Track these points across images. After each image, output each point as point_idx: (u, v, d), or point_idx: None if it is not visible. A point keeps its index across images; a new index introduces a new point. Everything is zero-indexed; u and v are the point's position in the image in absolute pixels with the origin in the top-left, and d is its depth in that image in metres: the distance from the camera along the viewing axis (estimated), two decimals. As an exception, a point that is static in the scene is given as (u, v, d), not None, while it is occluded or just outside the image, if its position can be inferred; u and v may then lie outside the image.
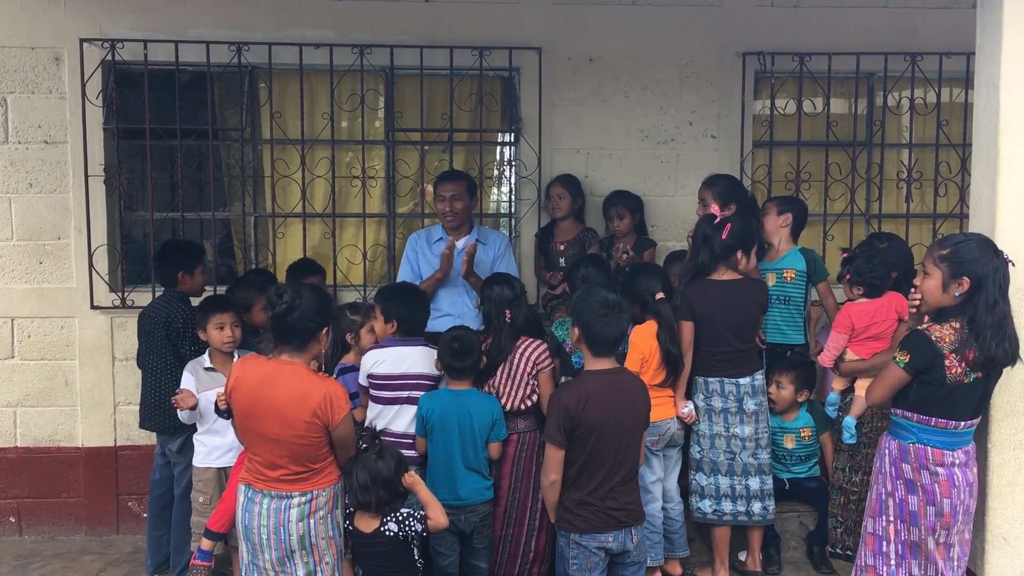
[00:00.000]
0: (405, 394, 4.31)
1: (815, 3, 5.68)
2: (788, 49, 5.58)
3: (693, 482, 4.55)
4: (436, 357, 4.29)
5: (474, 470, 4.19)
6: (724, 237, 4.41)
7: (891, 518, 3.57)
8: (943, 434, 3.45)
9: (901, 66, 5.59)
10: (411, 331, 4.38)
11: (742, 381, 4.47)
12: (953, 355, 3.35)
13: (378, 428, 4.33)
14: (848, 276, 4.42)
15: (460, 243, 5.03)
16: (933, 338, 3.38)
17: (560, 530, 3.70)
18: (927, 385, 3.42)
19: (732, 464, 4.49)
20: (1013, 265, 3.39)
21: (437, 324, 4.78)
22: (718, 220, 4.47)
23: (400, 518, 3.66)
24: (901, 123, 5.87)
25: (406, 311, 4.36)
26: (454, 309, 4.92)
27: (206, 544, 4.30)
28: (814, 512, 4.88)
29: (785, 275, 4.89)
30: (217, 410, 4.08)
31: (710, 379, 4.50)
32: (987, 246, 3.39)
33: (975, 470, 3.52)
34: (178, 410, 4.51)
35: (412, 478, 3.74)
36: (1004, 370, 3.46)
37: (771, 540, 4.78)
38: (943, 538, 3.49)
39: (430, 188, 5.64)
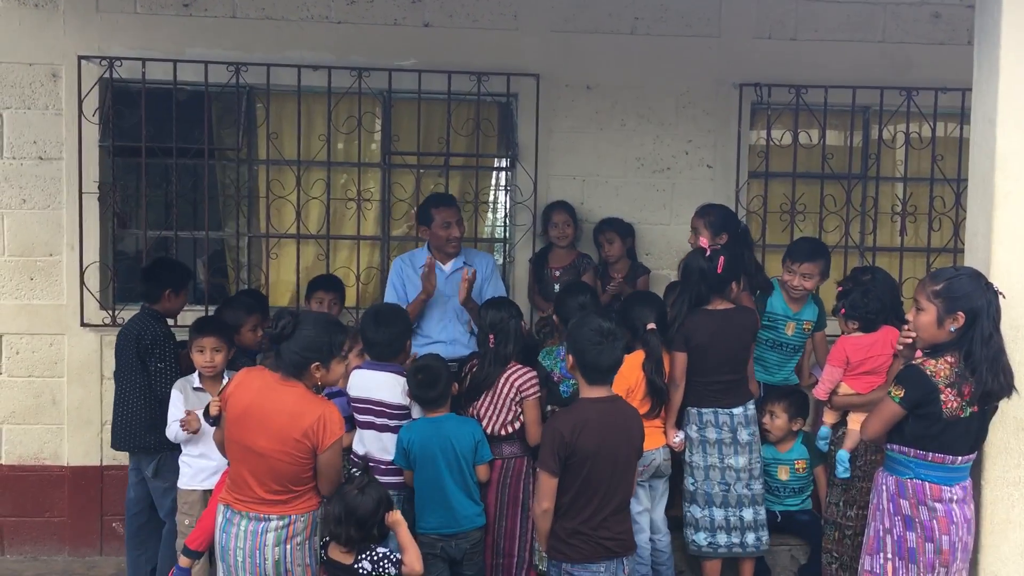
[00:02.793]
0: (370, 419, 4.28)
1: (812, 36, 5.72)
2: (785, 81, 5.61)
3: (687, 514, 4.51)
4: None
5: (466, 495, 4.14)
6: (719, 271, 4.42)
7: (889, 555, 3.54)
8: (941, 469, 3.44)
9: (896, 100, 5.62)
10: (379, 355, 4.33)
11: (735, 411, 4.45)
12: (949, 389, 3.35)
13: (358, 452, 4.32)
14: (844, 311, 4.41)
15: (448, 266, 4.99)
16: (928, 372, 3.38)
17: (551, 560, 3.66)
18: (923, 420, 3.40)
19: (727, 496, 4.46)
20: (1004, 297, 3.39)
21: (429, 351, 4.74)
22: (709, 253, 4.48)
23: (375, 558, 3.60)
24: (896, 157, 5.89)
25: (372, 334, 4.31)
26: (445, 335, 4.88)
27: (184, 562, 4.24)
28: (805, 546, 4.84)
29: (804, 326, 4.91)
30: (207, 415, 4.03)
31: (704, 410, 4.48)
32: (978, 280, 3.40)
33: (972, 506, 3.51)
34: (174, 431, 4.45)
35: (395, 518, 3.67)
36: (999, 406, 3.45)
37: (761, 573, 4.74)
38: (943, 574, 3.46)
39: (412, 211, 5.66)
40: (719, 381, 4.46)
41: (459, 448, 4.11)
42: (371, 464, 4.18)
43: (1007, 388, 3.37)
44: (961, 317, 3.35)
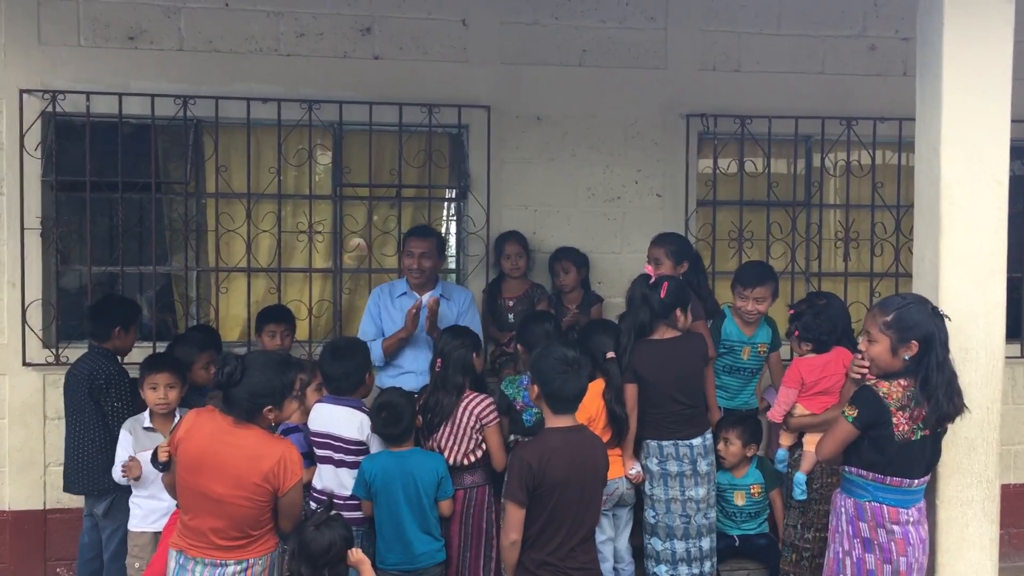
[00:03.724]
0: (327, 454, 4.24)
1: (755, 68, 5.87)
2: (730, 112, 5.74)
3: (648, 546, 4.52)
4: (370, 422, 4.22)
5: (425, 532, 4.10)
6: (662, 296, 4.46)
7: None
8: (898, 492, 3.51)
9: (837, 130, 5.79)
10: (337, 390, 4.30)
11: (695, 442, 4.48)
12: (901, 412, 3.43)
13: (316, 487, 4.26)
14: (796, 332, 4.49)
15: (424, 297, 4.99)
16: (881, 394, 3.46)
17: (519, 592, 3.63)
18: (876, 443, 3.47)
19: (687, 528, 4.47)
20: (949, 320, 3.49)
21: (400, 381, 4.72)
22: (653, 280, 4.53)
23: None
24: (838, 184, 6.05)
25: (329, 368, 4.30)
26: (416, 366, 4.85)
27: None
28: (763, 569, 4.88)
29: (759, 349, 4.99)
30: (154, 460, 3.93)
31: (664, 443, 4.47)
32: (925, 306, 3.49)
33: (926, 527, 3.58)
34: (118, 474, 4.34)
35: (357, 557, 3.61)
36: (950, 427, 3.54)
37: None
38: None
39: (363, 242, 5.67)
40: (675, 411, 4.47)
41: (421, 483, 4.08)
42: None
43: (959, 409, 3.45)
44: (915, 346, 3.44)
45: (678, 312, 4.49)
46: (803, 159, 6.04)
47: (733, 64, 5.87)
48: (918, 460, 3.49)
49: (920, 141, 3.77)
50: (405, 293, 5.06)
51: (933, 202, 3.64)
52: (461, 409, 4.30)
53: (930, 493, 3.63)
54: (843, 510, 3.62)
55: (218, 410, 3.49)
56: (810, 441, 4.38)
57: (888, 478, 3.49)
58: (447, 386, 4.33)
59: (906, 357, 3.45)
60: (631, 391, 4.43)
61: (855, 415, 3.49)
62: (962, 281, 3.59)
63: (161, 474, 3.85)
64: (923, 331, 3.43)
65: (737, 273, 5.00)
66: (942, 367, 3.40)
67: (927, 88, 3.71)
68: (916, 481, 3.51)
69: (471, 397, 4.33)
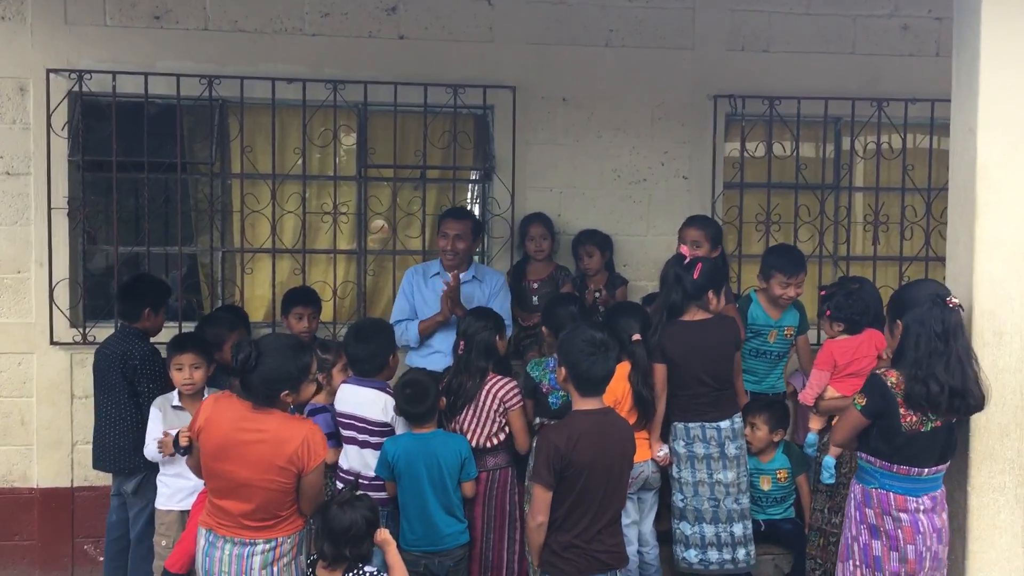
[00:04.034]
0: (352, 435, 4.25)
1: (784, 48, 5.79)
2: (758, 92, 5.67)
3: (677, 531, 4.48)
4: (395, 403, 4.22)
5: (449, 513, 4.10)
6: (696, 277, 4.42)
7: (857, 563, 3.59)
8: (906, 480, 3.49)
9: (868, 111, 5.70)
10: (361, 371, 4.31)
11: (723, 425, 4.44)
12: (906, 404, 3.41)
13: (343, 467, 4.27)
14: (828, 312, 4.45)
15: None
16: (888, 384, 3.44)
17: (544, 574, 3.62)
18: (885, 432, 3.46)
19: (716, 511, 4.43)
20: (963, 310, 3.43)
21: (428, 361, 4.75)
22: (688, 260, 4.49)
23: None
24: (868, 167, 5.96)
25: (353, 350, 4.31)
26: (444, 346, 4.84)
27: None
28: (789, 555, 4.85)
29: (786, 332, 4.94)
30: (176, 446, 3.95)
31: (690, 424, 4.45)
32: (924, 290, 3.48)
33: (944, 515, 3.55)
34: (152, 450, 4.35)
35: (383, 537, 3.63)
36: (983, 413, 3.49)
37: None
38: None
39: (386, 224, 5.68)
40: (702, 393, 4.44)
41: (445, 465, 4.08)
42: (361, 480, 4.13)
43: (976, 401, 3.37)
44: (899, 326, 3.44)
45: (710, 294, 4.45)
46: (832, 141, 5.96)
47: (762, 44, 5.79)
48: (927, 450, 3.45)
49: (956, 122, 3.70)
50: (438, 273, 5.07)
51: (968, 184, 3.57)
52: (484, 392, 4.29)
53: (961, 479, 3.58)
54: (853, 496, 3.63)
55: (236, 395, 3.50)
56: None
57: (895, 466, 3.47)
58: (470, 369, 4.32)
59: (897, 337, 3.48)
60: (660, 372, 4.41)
61: (863, 404, 3.50)
62: (997, 265, 3.53)
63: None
64: (910, 313, 3.41)
65: (776, 260, 4.88)
66: (917, 351, 3.36)
67: (963, 67, 3.64)
68: (926, 470, 3.47)
69: (494, 380, 4.32)
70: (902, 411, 3.40)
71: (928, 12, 5.81)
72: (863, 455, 3.57)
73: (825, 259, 5.83)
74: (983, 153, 3.52)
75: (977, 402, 3.39)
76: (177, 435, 3.95)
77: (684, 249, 4.65)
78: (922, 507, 3.48)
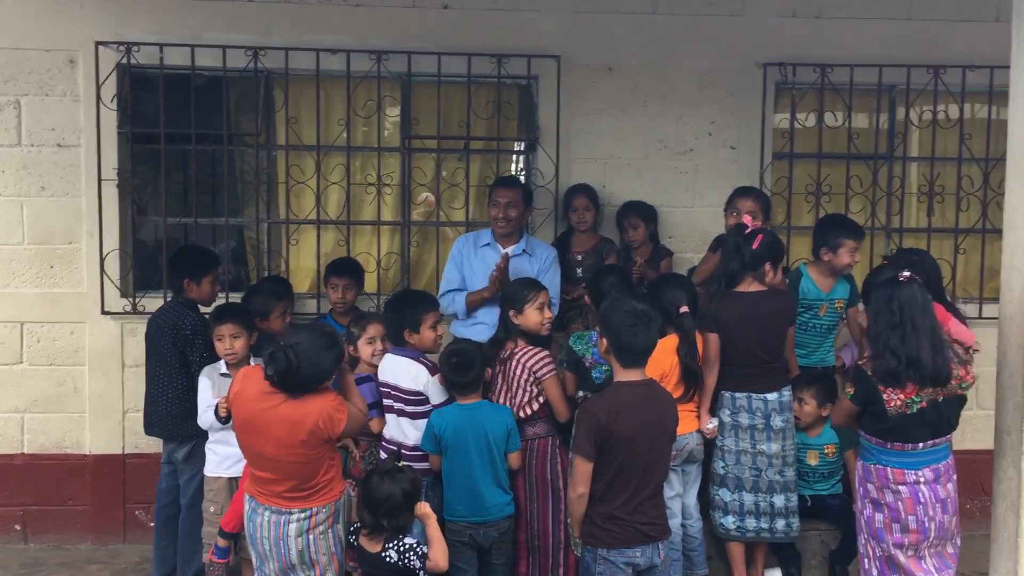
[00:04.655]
0: (389, 403, 4.29)
1: (837, 14, 5.63)
2: (809, 60, 5.53)
3: (716, 497, 4.48)
4: (440, 373, 4.23)
5: (496, 484, 4.11)
6: (755, 247, 4.36)
7: (865, 535, 3.80)
8: (902, 455, 3.66)
9: (923, 79, 5.54)
10: (392, 341, 4.34)
11: (770, 397, 4.40)
12: (889, 389, 3.57)
13: (385, 435, 4.29)
14: None
15: (507, 250, 4.99)
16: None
17: (586, 545, 3.62)
18: (874, 416, 3.66)
19: (757, 481, 4.42)
20: (918, 281, 3.59)
21: (472, 332, 4.76)
22: (749, 231, 4.42)
23: (402, 548, 3.61)
24: (923, 136, 5.80)
25: (388, 318, 4.37)
26: (488, 318, 4.83)
27: (222, 543, 4.22)
28: (836, 531, 4.80)
29: (836, 305, 4.87)
30: (217, 415, 4.03)
31: (737, 394, 4.43)
32: (884, 272, 3.70)
33: (950, 485, 3.68)
34: (207, 419, 4.41)
35: (423, 511, 3.68)
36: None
37: (791, 559, 4.70)
38: (913, 552, 3.68)
39: (431, 196, 5.65)
40: (752, 364, 4.41)
41: (492, 436, 4.09)
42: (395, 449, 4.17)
43: (939, 374, 3.52)
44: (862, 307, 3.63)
45: (767, 266, 4.40)
46: (886, 110, 5.80)
47: (814, 10, 5.64)
48: (918, 428, 3.60)
49: (1015, 88, 3.58)
50: (488, 244, 5.06)
51: (1027, 151, 3.45)
52: (514, 363, 4.30)
53: (1015, 457, 3.50)
54: (857, 472, 3.78)
55: (262, 370, 3.52)
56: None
57: (888, 443, 3.65)
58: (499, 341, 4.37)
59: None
60: (714, 341, 4.38)
61: (851, 392, 3.75)
62: (1055, 235, 3.41)
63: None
64: (869, 295, 3.63)
65: (842, 227, 4.80)
66: (879, 331, 3.57)
67: (1023, 32, 3.50)
68: (921, 445, 3.62)
69: (523, 350, 4.32)
70: (885, 396, 3.57)
71: (988, -25, 5.62)
72: (862, 433, 3.77)
73: (878, 231, 5.70)
74: (1043, 120, 3.39)
75: (940, 373, 3.52)
76: (217, 406, 4.02)
77: (747, 219, 4.59)
78: (922, 479, 3.64)
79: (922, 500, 3.62)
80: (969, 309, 5.48)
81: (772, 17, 5.61)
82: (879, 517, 3.71)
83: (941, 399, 3.59)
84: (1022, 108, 3.51)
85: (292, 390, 3.45)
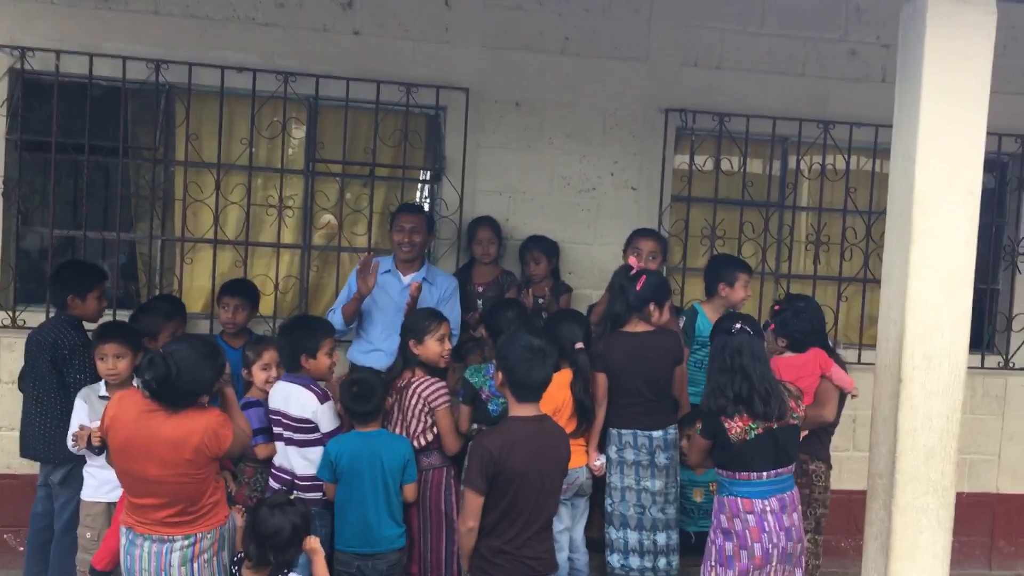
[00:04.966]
0: (279, 431, 4.22)
1: (736, 66, 5.85)
2: (709, 108, 5.73)
3: (607, 535, 4.53)
4: (332, 401, 4.20)
5: (389, 515, 4.07)
6: (638, 289, 4.47)
7: (712, 563, 3.99)
8: (749, 485, 3.91)
9: (814, 132, 5.80)
10: (286, 367, 4.29)
11: (655, 434, 4.48)
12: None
13: (275, 464, 4.22)
14: (773, 327, 4.53)
15: (407, 279, 4.99)
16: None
17: (474, 579, 3.62)
18: (721, 446, 3.93)
19: (641, 518, 4.48)
20: (748, 332, 3.98)
21: (369, 359, 4.73)
22: (634, 272, 4.53)
23: None
24: (812, 187, 6.06)
25: (283, 342, 4.30)
26: (386, 345, 4.81)
27: None
28: (717, 566, 4.90)
29: None
30: (90, 446, 3.89)
31: (624, 431, 4.50)
32: (724, 323, 4.11)
33: (796, 515, 3.96)
34: (71, 444, 4.25)
35: (312, 546, 3.61)
36: (910, 436, 3.57)
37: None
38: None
39: (333, 219, 5.61)
40: (637, 403, 4.49)
41: (388, 466, 4.05)
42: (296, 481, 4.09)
43: (767, 409, 3.86)
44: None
45: (652, 307, 4.50)
46: (779, 160, 6.05)
47: (715, 61, 5.85)
48: (759, 456, 3.89)
49: (896, 148, 3.77)
50: (389, 270, 5.06)
51: (906, 209, 3.63)
52: (410, 392, 4.29)
53: (886, 499, 3.65)
54: (714, 506, 4.05)
55: (140, 391, 3.43)
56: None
57: (736, 473, 3.91)
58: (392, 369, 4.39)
59: None
60: (601, 380, 4.44)
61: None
62: (930, 290, 3.59)
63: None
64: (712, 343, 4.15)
65: (734, 263, 5.11)
66: (713, 368, 4.01)
67: (906, 95, 3.71)
68: (765, 474, 3.90)
69: (420, 380, 4.31)
70: (727, 425, 3.86)
71: (876, 39, 5.93)
72: (716, 468, 4.04)
73: (767, 276, 5.91)
74: (921, 180, 3.58)
75: (771, 412, 3.85)
76: (90, 436, 3.88)
77: (632, 260, 4.70)
78: (769, 508, 3.90)
79: (767, 528, 3.88)
80: (849, 354, 5.72)
81: (675, 64, 5.80)
82: (729, 545, 3.94)
83: (776, 427, 3.90)
84: (901, 168, 3.70)
85: (170, 401, 3.34)
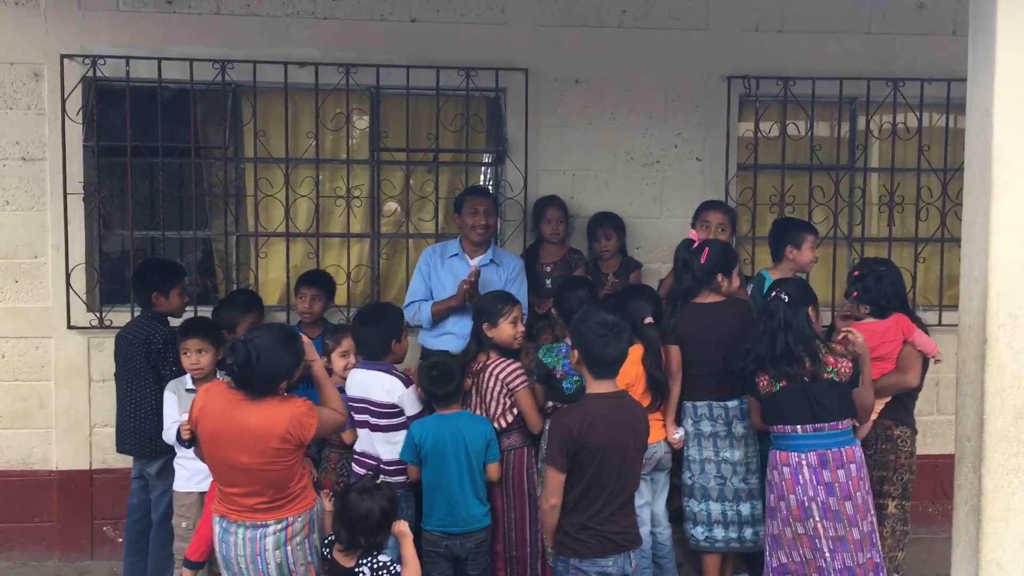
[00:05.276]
0: (364, 418, 4.28)
1: (799, 28, 5.74)
2: (773, 73, 5.62)
3: (686, 508, 4.53)
4: (419, 385, 4.25)
5: (474, 495, 4.13)
6: (703, 261, 4.45)
7: (765, 515, 4.21)
8: (785, 438, 4.08)
9: (883, 91, 5.66)
10: (368, 355, 4.34)
11: (730, 404, 4.47)
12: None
13: (357, 449, 4.30)
14: (856, 294, 4.46)
15: (475, 261, 5.03)
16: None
17: (558, 555, 3.65)
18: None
19: (723, 489, 4.47)
20: (785, 299, 4.11)
21: (440, 342, 4.79)
22: (696, 245, 4.51)
23: (376, 566, 3.59)
24: (883, 147, 5.92)
25: (360, 333, 4.35)
26: (457, 328, 4.86)
27: (186, 574, 4.23)
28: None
29: None
30: (179, 438, 4.00)
31: (698, 403, 4.50)
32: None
33: (841, 472, 4.00)
34: (171, 435, 4.39)
35: (400, 529, 3.69)
36: (998, 396, 3.48)
37: (761, 566, 4.75)
38: (801, 529, 4.02)
39: (398, 207, 5.69)
40: (711, 374, 4.47)
41: (471, 446, 4.11)
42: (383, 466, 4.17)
43: (789, 369, 4.05)
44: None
45: (720, 277, 4.47)
46: (847, 122, 5.92)
47: (776, 24, 5.74)
48: (791, 409, 4.04)
49: (972, 102, 3.65)
50: (456, 255, 5.10)
51: (984, 164, 3.52)
52: (487, 375, 4.33)
53: (975, 462, 3.56)
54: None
55: (226, 383, 3.53)
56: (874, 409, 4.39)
57: (775, 427, 4.11)
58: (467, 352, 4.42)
59: None
60: (675, 353, 4.44)
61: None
62: (1013, 246, 3.47)
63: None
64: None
65: (800, 225, 5.09)
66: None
67: (979, 47, 3.59)
68: (800, 428, 4.03)
69: (496, 362, 4.35)
70: (757, 379, 4.10)
71: (945, -10, 5.75)
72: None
73: (840, 241, 5.81)
74: (999, 134, 3.46)
75: (791, 368, 4.02)
76: (179, 429, 4.00)
77: (692, 234, 4.68)
78: (807, 462, 4.00)
79: (801, 481, 3.99)
80: (929, 316, 5.61)
81: (736, 31, 5.71)
82: (771, 497, 4.11)
83: (807, 381, 4.02)
84: (978, 122, 3.59)
85: (252, 387, 3.42)
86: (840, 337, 4.32)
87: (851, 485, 4.01)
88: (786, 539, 4.08)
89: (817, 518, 3.99)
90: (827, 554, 4.00)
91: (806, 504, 4.00)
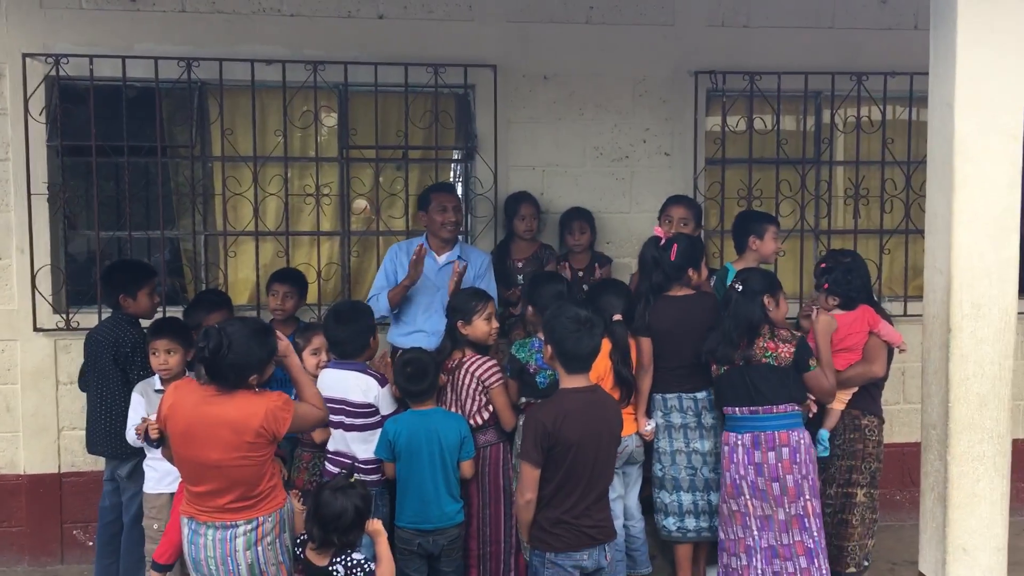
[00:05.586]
0: (339, 419, 4.26)
1: (764, 23, 5.79)
2: (739, 68, 5.67)
3: (657, 500, 4.58)
4: (393, 382, 4.25)
5: (447, 492, 4.14)
6: (673, 258, 4.50)
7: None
8: (729, 419, 4.34)
9: (847, 85, 5.72)
10: (342, 354, 4.32)
11: (699, 395, 4.53)
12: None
13: (330, 448, 4.29)
14: (827, 286, 4.52)
15: (442, 258, 5.01)
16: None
17: (534, 550, 3.67)
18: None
19: (694, 480, 4.53)
20: (738, 289, 4.34)
21: (410, 340, 4.77)
22: (664, 242, 4.55)
23: (349, 564, 3.58)
24: (848, 141, 5.99)
25: (332, 332, 4.33)
26: (428, 326, 4.87)
27: None
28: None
29: None
30: (147, 438, 3.96)
31: (668, 395, 4.55)
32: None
33: (772, 455, 4.20)
34: (132, 436, 4.36)
35: (374, 527, 3.68)
36: (962, 385, 3.55)
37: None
38: (735, 506, 4.27)
39: (368, 204, 5.66)
40: (682, 366, 4.53)
41: (445, 443, 4.11)
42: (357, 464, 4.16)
43: (714, 355, 4.35)
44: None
45: (690, 271, 4.52)
46: (813, 116, 5.99)
47: (742, 19, 5.79)
48: (730, 392, 4.30)
49: (933, 96, 3.71)
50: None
51: (946, 157, 3.59)
52: (463, 372, 4.33)
53: (941, 449, 3.63)
54: None
55: (195, 380, 3.51)
56: (838, 399, 4.45)
57: (722, 408, 4.37)
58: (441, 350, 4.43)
59: None
60: (647, 346, 4.48)
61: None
62: (975, 237, 3.56)
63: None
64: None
65: (761, 217, 5.14)
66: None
67: (940, 41, 3.65)
68: (738, 410, 4.28)
69: (472, 359, 4.36)
70: (711, 365, 4.37)
71: (906, -14, 5.83)
72: None
73: (807, 233, 5.87)
74: (960, 127, 3.53)
75: (726, 352, 4.28)
76: (147, 429, 3.96)
77: (658, 230, 4.72)
78: (742, 442, 4.24)
79: (735, 460, 4.24)
80: (895, 307, 5.70)
81: (702, 26, 5.75)
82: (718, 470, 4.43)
83: (743, 365, 4.25)
84: (940, 116, 3.65)
85: (222, 378, 3.39)
86: (804, 313, 4.54)
87: (781, 467, 4.19)
88: (723, 516, 4.37)
89: (748, 496, 4.24)
90: (755, 532, 4.24)
91: (738, 482, 4.25)
